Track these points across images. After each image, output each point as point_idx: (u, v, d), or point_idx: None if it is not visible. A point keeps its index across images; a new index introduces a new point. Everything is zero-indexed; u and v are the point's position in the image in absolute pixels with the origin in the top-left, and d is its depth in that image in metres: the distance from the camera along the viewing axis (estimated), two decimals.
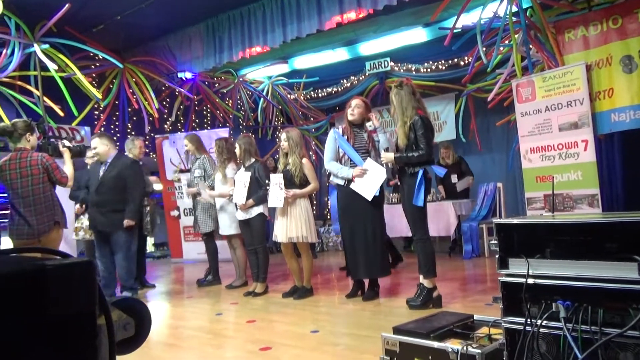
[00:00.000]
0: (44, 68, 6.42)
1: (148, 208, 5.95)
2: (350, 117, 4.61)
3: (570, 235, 1.91)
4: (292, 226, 4.74)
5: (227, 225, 5.58)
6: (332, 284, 5.65)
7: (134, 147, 5.84)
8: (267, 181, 4.96)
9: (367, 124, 4.58)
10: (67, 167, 4.18)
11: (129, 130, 8.06)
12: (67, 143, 4.29)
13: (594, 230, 1.86)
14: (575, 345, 1.70)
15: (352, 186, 4.51)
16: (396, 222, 6.57)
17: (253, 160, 5.27)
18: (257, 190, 5.10)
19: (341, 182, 4.62)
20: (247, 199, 5.11)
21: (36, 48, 6.24)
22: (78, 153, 4.40)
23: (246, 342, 3.47)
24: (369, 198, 4.45)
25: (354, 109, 4.61)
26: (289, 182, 4.77)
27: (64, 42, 6.50)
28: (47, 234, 4.00)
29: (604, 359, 1.65)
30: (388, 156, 4.14)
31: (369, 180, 4.45)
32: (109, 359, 0.73)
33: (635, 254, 1.65)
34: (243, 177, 5.17)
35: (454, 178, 7.42)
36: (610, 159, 4.97)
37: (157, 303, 5.22)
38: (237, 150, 5.29)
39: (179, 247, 8.46)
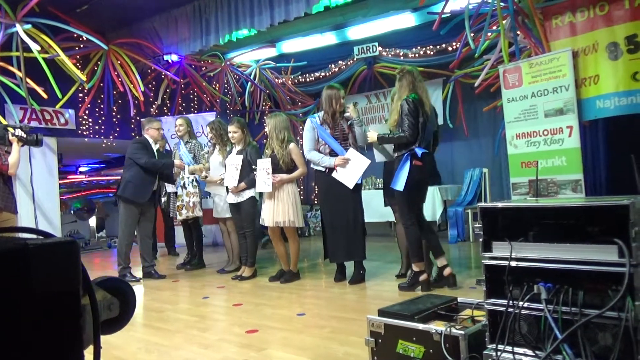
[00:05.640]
0: (27, 49, 6.28)
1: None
2: (347, 114, 4.64)
3: (553, 219, 1.94)
4: (279, 210, 4.76)
5: (225, 209, 5.54)
6: (318, 268, 5.69)
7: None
8: (254, 166, 4.96)
9: (346, 114, 4.62)
10: (12, 155, 4.28)
11: (114, 114, 7.96)
12: (19, 132, 4.33)
13: (576, 214, 1.89)
14: (556, 326, 1.74)
15: (334, 175, 4.60)
16: (374, 206, 6.65)
17: (247, 143, 5.26)
18: (249, 174, 5.08)
19: (322, 169, 4.70)
20: (239, 182, 5.09)
21: (18, 28, 6.10)
22: (34, 142, 4.49)
23: (233, 325, 3.49)
24: (351, 187, 4.53)
25: (344, 103, 4.69)
26: (276, 167, 4.77)
27: (47, 22, 6.36)
28: None
29: (583, 339, 1.69)
30: (371, 135, 4.22)
31: (352, 169, 4.54)
32: (94, 339, 0.73)
33: (616, 237, 1.68)
34: (235, 160, 5.16)
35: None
36: (594, 145, 5.02)
37: (143, 286, 5.21)
38: (238, 134, 5.23)
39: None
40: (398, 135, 4.02)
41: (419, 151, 3.99)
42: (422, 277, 4.11)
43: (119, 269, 5.31)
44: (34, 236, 0.71)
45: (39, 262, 0.63)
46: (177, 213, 5.62)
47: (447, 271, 4.09)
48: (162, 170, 5.39)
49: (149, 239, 5.56)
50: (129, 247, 5.37)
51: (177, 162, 5.52)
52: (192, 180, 5.54)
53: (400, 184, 3.96)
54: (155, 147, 5.48)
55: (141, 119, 8.25)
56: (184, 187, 5.61)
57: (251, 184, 5.08)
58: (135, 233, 5.49)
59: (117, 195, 5.40)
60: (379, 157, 4.37)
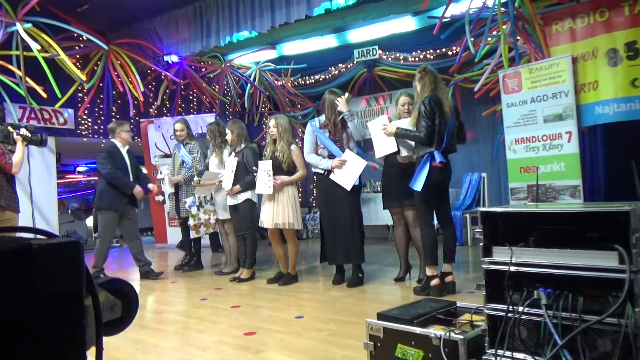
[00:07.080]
0: (27, 48, 6.28)
1: None
2: (338, 108, 4.66)
3: (553, 225, 1.94)
4: (279, 212, 4.75)
5: (223, 211, 5.56)
6: (317, 271, 5.68)
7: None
8: (254, 167, 4.96)
9: (338, 108, 4.66)
10: (16, 154, 4.26)
11: (113, 114, 7.95)
12: (23, 132, 4.31)
13: (576, 219, 1.89)
14: (555, 331, 1.74)
15: (332, 177, 4.64)
16: (372, 210, 6.67)
17: (243, 145, 5.26)
18: (244, 176, 5.09)
19: (321, 172, 4.74)
20: (234, 184, 5.09)
21: (18, 27, 6.09)
22: (38, 142, 4.44)
23: (230, 327, 3.48)
24: (348, 188, 4.55)
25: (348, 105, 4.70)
26: (277, 169, 4.77)
27: (47, 21, 6.35)
28: None
29: (583, 345, 1.69)
30: (390, 129, 4.17)
31: (348, 170, 4.58)
32: (96, 340, 0.73)
33: (616, 243, 1.68)
34: (231, 162, 5.17)
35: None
36: (592, 151, 5.03)
37: (141, 287, 5.19)
38: (230, 136, 5.28)
39: (164, 232, 8.42)
40: (414, 134, 3.98)
41: (437, 156, 3.91)
42: (434, 282, 4.00)
43: (93, 271, 5.27)
44: (35, 236, 0.71)
45: (43, 262, 0.63)
46: (194, 231, 5.64)
47: (449, 278, 4.08)
48: (120, 188, 5.27)
49: (138, 239, 5.52)
50: (107, 252, 5.42)
51: (137, 189, 5.33)
52: (209, 200, 5.59)
53: (418, 185, 3.94)
54: (124, 150, 5.42)
55: (140, 119, 8.27)
56: (200, 205, 5.61)
57: (247, 186, 5.08)
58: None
59: (94, 206, 5.40)
60: (404, 152, 4.32)
